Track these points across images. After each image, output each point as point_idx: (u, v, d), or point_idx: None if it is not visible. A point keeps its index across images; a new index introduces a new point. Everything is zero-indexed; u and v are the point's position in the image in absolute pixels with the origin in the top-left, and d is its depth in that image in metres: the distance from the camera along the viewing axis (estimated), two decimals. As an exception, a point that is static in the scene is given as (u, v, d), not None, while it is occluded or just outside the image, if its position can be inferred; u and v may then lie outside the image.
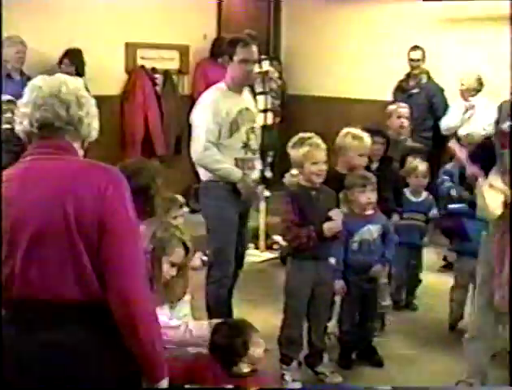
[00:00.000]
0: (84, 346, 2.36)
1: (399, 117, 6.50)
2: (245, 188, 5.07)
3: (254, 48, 5.14)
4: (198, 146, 4.96)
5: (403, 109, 6.59)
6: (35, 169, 2.44)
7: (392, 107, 6.65)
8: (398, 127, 6.44)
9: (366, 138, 5.18)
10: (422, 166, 6.00)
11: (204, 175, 5.12)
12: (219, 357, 3.40)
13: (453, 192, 6.27)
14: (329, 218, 4.52)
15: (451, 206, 5.71)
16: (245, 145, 5.11)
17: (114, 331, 2.37)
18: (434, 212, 6.08)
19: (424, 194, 6.06)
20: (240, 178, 5.03)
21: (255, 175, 5.28)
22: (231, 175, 5.03)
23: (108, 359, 2.40)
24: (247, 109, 5.18)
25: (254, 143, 5.20)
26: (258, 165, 5.40)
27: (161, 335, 2.50)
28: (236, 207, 5.10)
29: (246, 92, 5.36)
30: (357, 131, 5.24)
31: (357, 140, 5.15)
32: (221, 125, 4.98)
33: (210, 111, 4.92)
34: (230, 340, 3.38)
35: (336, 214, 4.52)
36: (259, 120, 8.30)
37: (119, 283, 2.33)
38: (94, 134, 2.58)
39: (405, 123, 6.55)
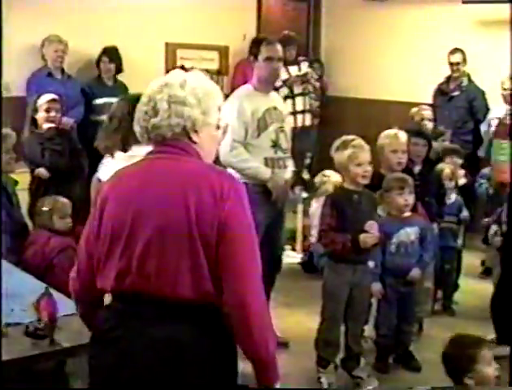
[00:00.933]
0: (193, 345, 2.36)
1: (422, 119, 6.48)
2: (276, 188, 5.02)
3: (279, 46, 5.13)
4: (225, 146, 4.80)
5: (426, 111, 6.59)
6: (156, 167, 2.46)
7: (414, 109, 6.65)
8: (425, 130, 6.40)
9: (400, 135, 5.18)
10: (448, 168, 5.96)
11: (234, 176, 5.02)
12: (447, 367, 3.39)
13: (491, 191, 6.29)
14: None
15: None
16: (275, 145, 5.08)
17: (225, 333, 2.39)
18: (465, 214, 6.05)
19: (453, 196, 6.01)
20: (270, 177, 5.01)
21: (287, 174, 5.22)
22: (259, 174, 5.00)
23: (217, 361, 2.41)
24: (275, 108, 5.14)
25: (284, 142, 5.16)
26: (290, 164, 5.32)
27: (275, 339, 2.50)
28: (266, 210, 4.99)
29: (273, 92, 5.33)
30: (392, 130, 5.26)
31: (390, 138, 5.17)
32: (247, 124, 4.96)
33: (234, 111, 4.88)
34: (458, 351, 3.35)
35: (372, 227, 4.48)
36: (298, 121, 8.40)
37: (237, 286, 2.34)
38: None
39: (429, 124, 6.53)
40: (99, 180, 3.42)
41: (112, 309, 2.47)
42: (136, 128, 2.50)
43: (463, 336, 3.52)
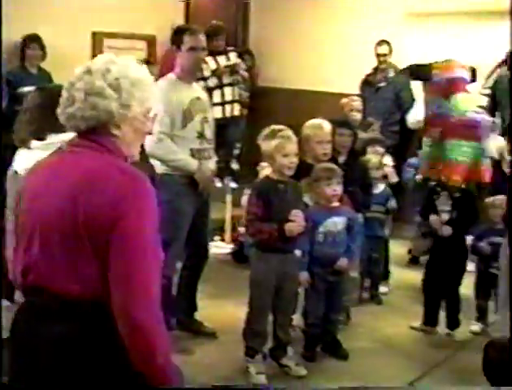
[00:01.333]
0: (79, 343, 2.26)
1: (351, 110, 6.54)
2: (202, 179, 5.00)
3: (202, 36, 5.10)
4: (151, 138, 4.51)
5: (355, 102, 6.63)
6: (63, 162, 2.35)
7: (344, 100, 6.70)
8: (351, 121, 6.42)
9: (325, 126, 5.22)
10: (375, 158, 6.02)
11: (159, 168, 4.89)
12: (488, 372, 3.20)
13: (419, 177, 6.40)
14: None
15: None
16: (201, 135, 5.04)
17: (114, 331, 2.23)
18: (392, 204, 6.13)
19: (381, 186, 6.09)
20: (197, 168, 4.98)
21: (212, 165, 5.18)
22: (187, 165, 4.96)
23: (102, 358, 2.27)
24: (198, 98, 5.10)
25: (209, 133, 5.13)
26: (214, 155, 5.27)
27: (164, 353, 2.27)
28: (192, 201, 5.01)
29: (195, 83, 5.30)
30: (317, 120, 5.30)
31: (315, 128, 5.21)
32: (173, 115, 4.91)
33: (160, 102, 4.71)
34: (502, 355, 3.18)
35: (297, 216, 4.48)
36: (227, 112, 8.40)
37: (124, 305, 2.19)
38: None
39: (358, 115, 6.58)
40: (16, 172, 3.33)
41: (20, 305, 2.44)
42: (59, 115, 2.40)
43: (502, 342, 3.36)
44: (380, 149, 6.32)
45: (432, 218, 5.43)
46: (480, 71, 7.09)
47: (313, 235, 4.80)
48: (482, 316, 5.53)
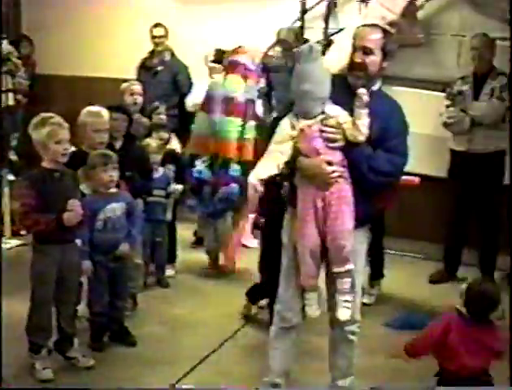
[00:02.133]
0: None
1: (132, 94, 6.52)
2: None
3: None
4: None
5: (136, 86, 6.60)
6: None
7: (125, 85, 6.64)
8: (132, 104, 6.44)
9: (103, 113, 5.16)
10: (154, 142, 6.04)
11: None
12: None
13: None
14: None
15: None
16: None
17: None
18: (173, 187, 6.17)
19: (161, 170, 6.11)
20: None
21: None
22: None
23: None
24: None
25: None
26: None
27: None
28: None
29: None
30: (94, 108, 5.21)
31: (92, 116, 5.13)
32: None
33: None
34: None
35: (74, 205, 4.37)
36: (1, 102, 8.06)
37: None
38: None
39: (139, 99, 6.57)
40: None
41: None
42: None
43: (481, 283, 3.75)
44: (165, 135, 6.34)
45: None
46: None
47: (92, 222, 4.73)
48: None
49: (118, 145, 5.45)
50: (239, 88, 6.31)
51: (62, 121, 4.46)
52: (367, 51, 3.79)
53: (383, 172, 3.76)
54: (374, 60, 3.80)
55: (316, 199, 3.71)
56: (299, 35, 7.22)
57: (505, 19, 6.84)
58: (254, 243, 7.11)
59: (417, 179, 5.75)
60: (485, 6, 6.97)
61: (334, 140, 3.66)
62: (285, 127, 3.74)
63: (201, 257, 6.67)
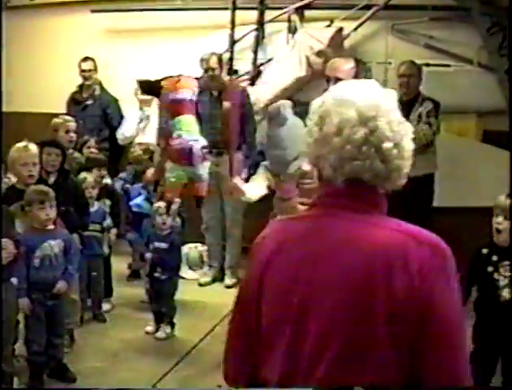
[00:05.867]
0: None
1: (67, 131, 6.40)
2: None
3: None
4: None
5: (71, 123, 6.48)
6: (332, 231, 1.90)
7: (58, 121, 6.49)
8: (68, 142, 6.31)
9: (30, 147, 5.14)
10: (90, 177, 6.04)
11: None
12: None
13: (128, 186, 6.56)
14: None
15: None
16: None
17: None
18: (108, 221, 6.20)
19: (96, 204, 6.08)
20: None
21: None
22: None
23: None
24: None
25: None
26: None
27: None
28: None
29: None
30: (22, 143, 5.19)
31: (19, 151, 5.12)
32: None
33: None
34: None
35: (6, 243, 4.34)
36: None
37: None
38: None
39: (74, 136, 6.49)
40: None
41: None
42: None
43: None
44: (104, 171, 6.33)
45: None
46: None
47: (29, 260, 4.67)
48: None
49: (51, 179, 5.40)
50: (194, 130, 6.15)
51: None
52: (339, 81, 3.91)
53: None
54: None
55: None
56: (223, 60, 7.24)
57: (428, 46, 7.08)
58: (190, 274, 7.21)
59: None
60: (409, 33, 7.19)
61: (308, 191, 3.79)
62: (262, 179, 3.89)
63: (137, 290, 6.63)
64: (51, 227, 4.80)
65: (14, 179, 5.03)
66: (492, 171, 6.47)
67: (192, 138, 6.03)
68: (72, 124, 6.48)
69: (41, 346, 4.83)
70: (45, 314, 4.81)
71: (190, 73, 7.12)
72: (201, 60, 7.12)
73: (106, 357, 5.39)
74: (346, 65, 3.94)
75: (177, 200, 5.90)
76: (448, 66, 7.01)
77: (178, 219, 6.01)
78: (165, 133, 6.23)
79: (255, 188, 4.00)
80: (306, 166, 3.83)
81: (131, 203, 6.60)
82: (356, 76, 3.94)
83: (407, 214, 6.35)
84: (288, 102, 3.81)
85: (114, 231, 6.31)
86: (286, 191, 3.87)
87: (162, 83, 6.16)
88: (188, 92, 6.18)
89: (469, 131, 7.24)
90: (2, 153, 4.86)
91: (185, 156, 5.96)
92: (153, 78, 6.41)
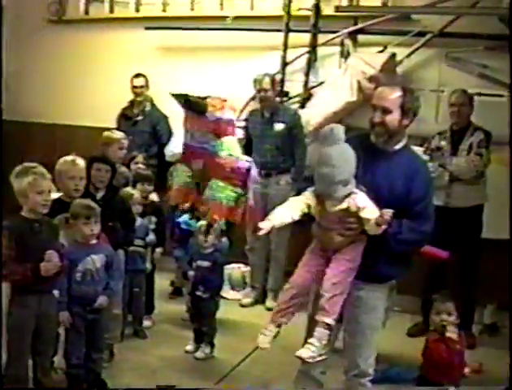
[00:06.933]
0: None
1: (121, 148, 6.39)
2: None
3: None
4: None
5: (125, 140, 6.47)
6: None
7: (112, 136, 6.40)
8: (118, 158, 6.28)
9: (78, 161, 5.17)
10: (136, 193, 6.04)
11: None
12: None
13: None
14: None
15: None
16: None
17: None
18: (151, 237, 6.20)
19: (139, 220, 6.08)
20: None
21: None
22: None
23: None
24: None
25: None
26: None
27: None
28: None
29: None
30: (70, 156, 5.22)
31: (67, 164, 5.14)
32: None
33: None
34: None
35: (51, 257, 4.36)
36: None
37: None
38: None
39: (125, 153, 6.48)
40: None
41: None
42: None
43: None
44: (149, 187, 6.33)
45: None
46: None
47: (71, 273, 4.69)
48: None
49: (99, 195, 5.41)
50: (238, 152, 6.23)
51: (44, 171, 4.46)
52: (386, 110, 3.89)
53: (406, 241, 3.88)
54: (392, 119, 3.90)
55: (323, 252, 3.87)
56: (276, 81, 7.28)
57: (482, 75, 6.98)
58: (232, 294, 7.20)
59: (445, 254, 5.52)
60: (463, 62, 7.10)
61: (350, 229, 3.79)
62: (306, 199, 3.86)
63: (178, 307, 6.62)
64: (94, 241, 4.82)
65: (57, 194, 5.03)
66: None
67: (246, 159, 6.08)
68: (126, 142, 6.47)
69: (80, 359, 4.83)
70: (85, 328, 4.81)
71: (240, 94, 7.19)
72: (254, 81, 7.19)
73: (144, 374, 5.39)
74: (393, 94, 3.89)
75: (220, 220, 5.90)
76: (501, 96, 6.90)
77: (224, 239, 5.99)
78: (207, 152, 6.23)
79: (281, 214, 3.94)
80: (361, 200, 3.80)
81: (179, 220, 6.61)
82: (403, 106, 3.90)
83: (456, 244, 6.36)
84: (342, 126, 3.79)
85: (159, 250, 6.32)
86: (328, 220, 3.84)
87: (209, 101, 6.17)
88: (232, 113, 6.21)
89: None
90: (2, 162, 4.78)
91: (240, 176, 5.98)
92: (190, 93, 6.43)
